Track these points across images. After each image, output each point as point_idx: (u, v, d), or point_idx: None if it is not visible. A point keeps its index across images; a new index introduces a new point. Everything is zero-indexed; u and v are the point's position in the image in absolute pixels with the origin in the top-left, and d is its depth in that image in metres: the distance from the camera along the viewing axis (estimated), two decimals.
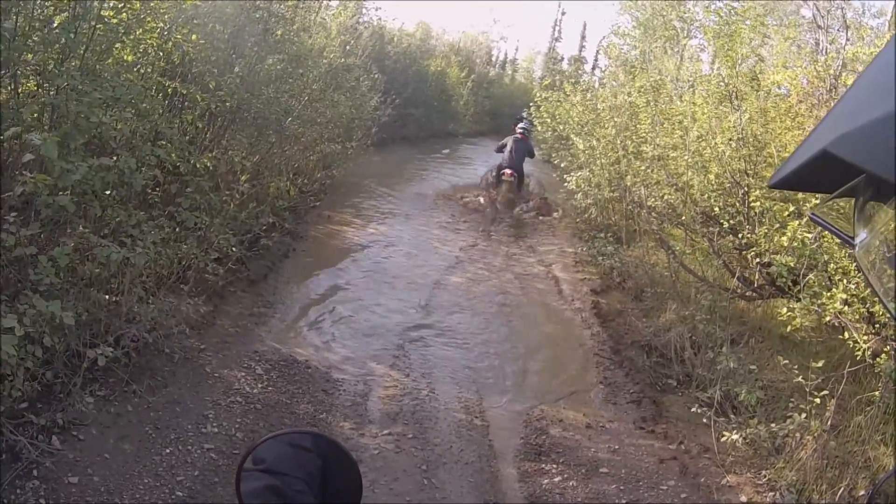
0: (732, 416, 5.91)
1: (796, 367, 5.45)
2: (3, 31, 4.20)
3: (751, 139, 7.31)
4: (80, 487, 4.07)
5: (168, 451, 4.61)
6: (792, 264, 6.20)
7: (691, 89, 9.34)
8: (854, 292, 5.57)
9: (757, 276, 7.41)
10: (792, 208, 6.30)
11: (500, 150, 15.07)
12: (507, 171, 14.33)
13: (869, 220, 0.73)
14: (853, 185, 0.71)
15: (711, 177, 7.59)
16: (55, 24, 4.91)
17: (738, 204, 7.37)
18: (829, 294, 5.67)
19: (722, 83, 7.91)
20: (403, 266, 9.87)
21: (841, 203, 0.76)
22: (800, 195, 6.09)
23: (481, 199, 14.56)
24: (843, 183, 0.71)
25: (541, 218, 14.10)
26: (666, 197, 8.74)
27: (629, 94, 11.01)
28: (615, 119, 10.79)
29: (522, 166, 14.83)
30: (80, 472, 4.16)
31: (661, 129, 9.00)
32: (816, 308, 5.83)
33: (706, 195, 7.68)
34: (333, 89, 11.61)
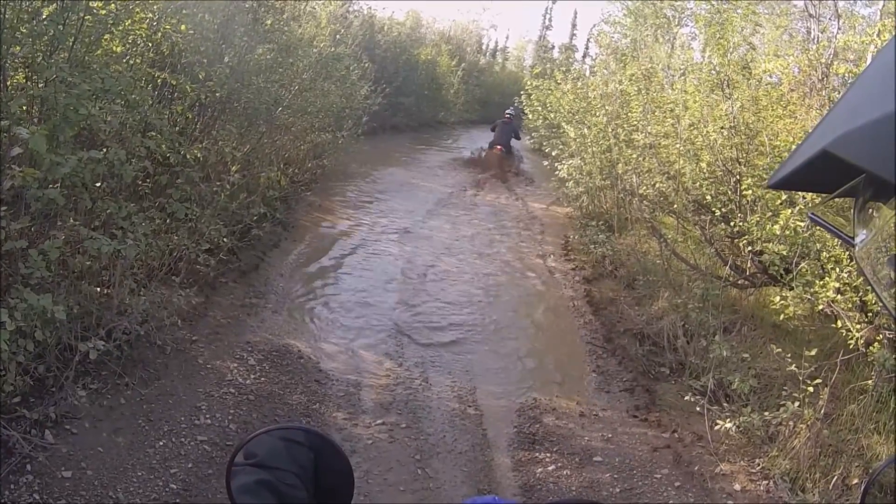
0: (726, 404, 5.92)
1: (789, 355, 5.46)
2: None
3: (742, 127, 7.31)
4: (73, 481, 4.06)
5: (161, 443, 4.61)
6: (784, 252, 6.22)
7: (683, 77, 9.35)
8: (847, 281, 5.59)
9: (749, 265, 7.43)
10: (784, 196, 6.30)
11: (493, 129, 19.29)
12: (497, 146, 18.40)
13: (869, 220, 0.73)
14: (853, 185, 0.70)
15: (703, 165, 7.59)
16: (43, 16, 4.88)
17: (729, 192, 7.38)
18: (821, 282, 5.69)
19: (713, 71, 7.91)
20: (393, 254, 9.89)
21: (841, 203, 0.76)
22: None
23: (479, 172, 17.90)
24: (843, 183, 0.71)
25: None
26: (657, 185, 8.75)
27: (620, 82, 11.02)
28: (606, 107, 10.80)
29: (509, 142, 18.91)
30: (73, 466, 4.16)
31: (653, 118, 9.01)
32: (809, 296, 5.84)
33: (698, 183, 7.69)
34: (323, 79, 11.57)
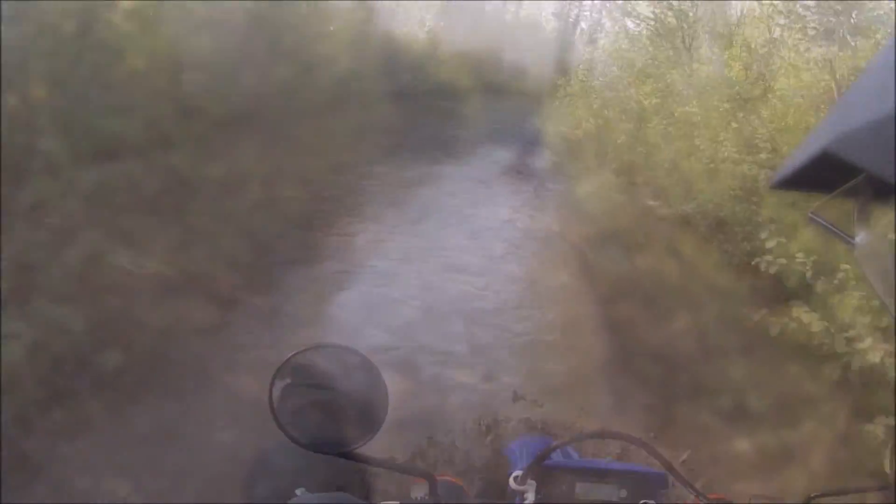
0: (743, 423, 5.88)
1: (807, 373, 5.42)
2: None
3: (763, 145, 7.29)
4: (89, 493, 4.08)
5: (179, 457, 4.62)
6: (803, 271, 6.18)
7: (703, 94, 9.34)
8: (866, 299, 5.54)
9: (768, 283, 7.38)
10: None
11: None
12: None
13: (869, 220, 0.73)
14: (853, 185, 0.70)
15: (723, 183, 7.57)
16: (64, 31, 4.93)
17: (749, 210, 7.35)
18: (840, 301, 5.65)
19: (734, 88, 7.89)
20: (413, 271, 9.86)
21: (841, 203, 0.76)
22: (810, 202, 6.04)
23: None
24: (843, 183, 0.71)
25: None
26: (676, 204, 8.73)
27: (639, 102, 11.01)
28: (625, 124, 10.80)
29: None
30: (88, 478, 4.17)
31: (673, 135, 8.99)
32: (828, 315, 5.80)
33: (718, 202, 7.67)
34: (343, 95, 11.62)
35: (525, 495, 1.79)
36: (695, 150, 8.54)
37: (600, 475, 1.93)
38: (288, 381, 1.38)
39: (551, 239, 12.10)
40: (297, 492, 1.48)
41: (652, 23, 13.22)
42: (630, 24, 15.82)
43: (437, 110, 22.65)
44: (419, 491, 1.69)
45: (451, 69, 25.98)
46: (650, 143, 9.82)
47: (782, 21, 9.51)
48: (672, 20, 12.26)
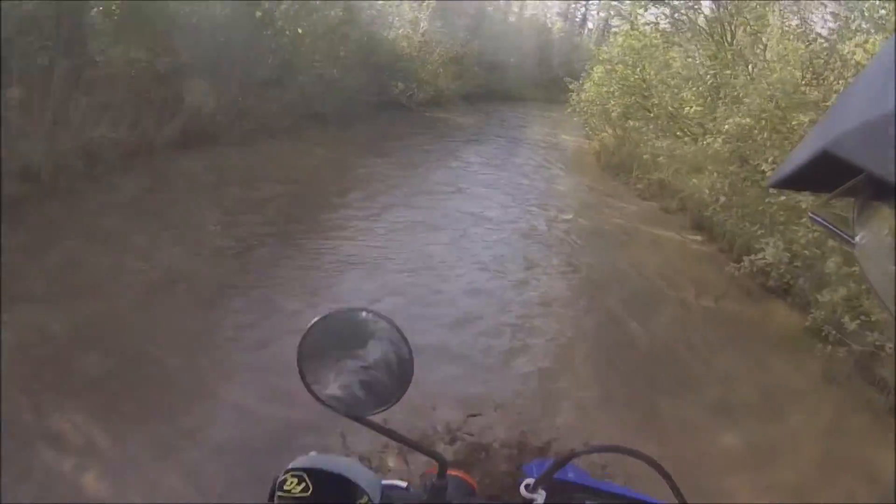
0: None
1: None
2: None
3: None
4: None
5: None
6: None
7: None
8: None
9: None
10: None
11: None
12: None
13: (869, 220, 0.73)
14: (853, 185, 0.70)
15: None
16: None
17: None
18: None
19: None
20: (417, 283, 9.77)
21: (841, 203, 0.76)
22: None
23: None
24: (843, 183, 0.71)
25: None
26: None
27: (671, 107, 10.84)
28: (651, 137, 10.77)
29: None
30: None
31: (722, 155, 8.84)
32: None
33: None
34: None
35: (535, 502, 1.79)
36: (756, 173, 7.96)
37: (611, 498, 1.92)
38: (316, 341, 1.38)
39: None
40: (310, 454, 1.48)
41: (692, 13, 12.19)
42: (655, 15, 13.90)
43: (428, 124, 20.44)
44: (429, 479, 1.69)
45: (447, 76, 24.57)
46: (686, 161, 9.28)
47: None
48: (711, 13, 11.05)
